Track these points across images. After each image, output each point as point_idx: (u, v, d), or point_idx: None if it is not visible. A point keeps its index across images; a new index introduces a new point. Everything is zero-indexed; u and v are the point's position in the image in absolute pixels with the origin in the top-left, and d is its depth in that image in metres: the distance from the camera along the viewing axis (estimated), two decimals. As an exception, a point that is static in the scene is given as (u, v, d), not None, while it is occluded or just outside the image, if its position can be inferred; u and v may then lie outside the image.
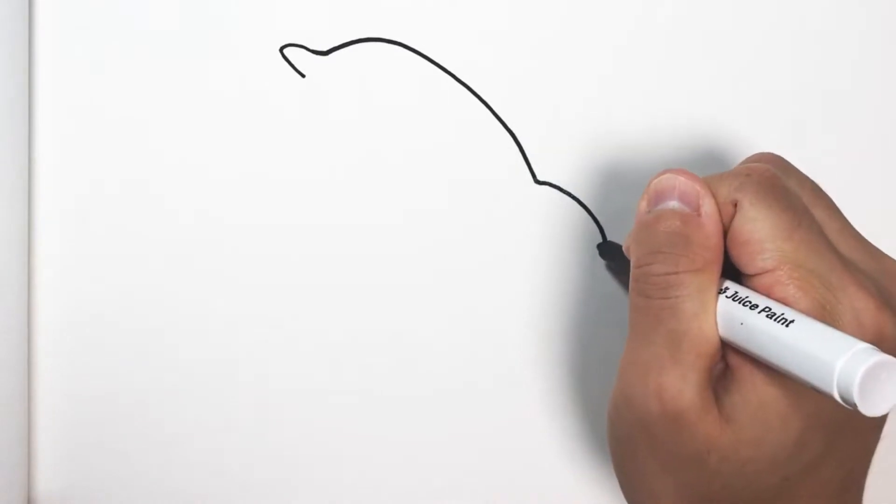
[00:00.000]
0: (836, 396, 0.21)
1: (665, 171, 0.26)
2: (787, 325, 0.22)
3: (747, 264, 0.24)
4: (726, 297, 0.24)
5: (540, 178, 0.33)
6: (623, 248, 0.28)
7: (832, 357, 0.21)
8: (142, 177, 0.33)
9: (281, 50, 0.33)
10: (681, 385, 0.24)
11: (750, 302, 0.24)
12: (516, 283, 0.33)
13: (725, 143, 0.33)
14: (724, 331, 0.24)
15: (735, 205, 0.25)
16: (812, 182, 0.27)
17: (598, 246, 0.33)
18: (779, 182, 0.25)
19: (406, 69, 0.33)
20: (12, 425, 0.32)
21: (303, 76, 0.33)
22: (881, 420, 0.26)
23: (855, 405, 0.20)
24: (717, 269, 0.25)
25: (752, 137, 0.33)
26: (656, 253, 0.25)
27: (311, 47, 0.33)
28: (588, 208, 0.33)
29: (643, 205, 0.26)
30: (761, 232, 0.24)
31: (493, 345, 0.33)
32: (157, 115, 0.33)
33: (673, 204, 0.25)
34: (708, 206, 0.25)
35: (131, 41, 0.33)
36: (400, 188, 0.33)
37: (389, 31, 0.33)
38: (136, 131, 0.33)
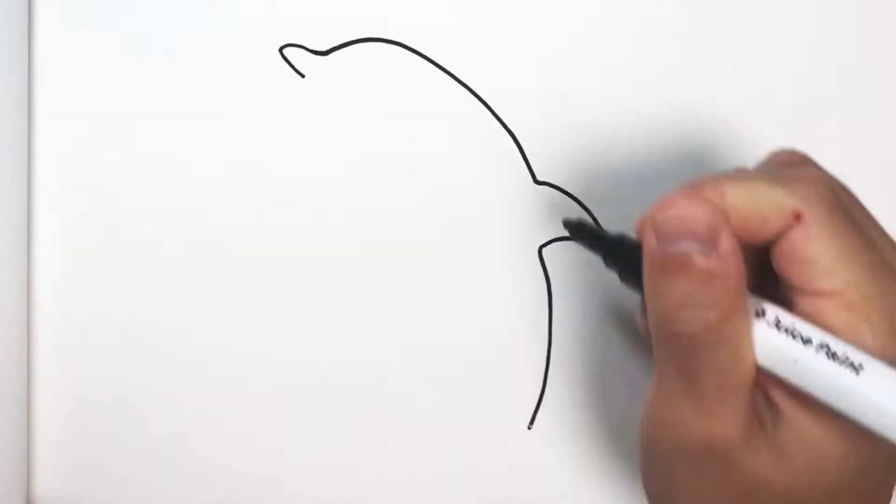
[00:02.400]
0: None
1: (675, 200, 0.23)
2: (857, 373, 0.20)
3: (807, 282, 0.22)
4: (768, 323, 0.22)
5: (540, 178, 0.33)
6: (637, 231, 0.25)
7: None
8: (142, 177, 0.33)
9: (280, 50, 0.33)
10: (727, 429, 0.22)
11: (801, 335, 0.21)
12: (516, 283, 0.33)
13: (727, 143, 0.33)
14: (766, 361, 0.22)
15: (798, 217, 0.22)
16: (842, 183, 0.25)
17: (566, 224, 0.29)
18: (842, 197, 0.23)
19: (406, 69, 0.33)
20: (12, 425, 0.32)
21: (302, 76, 0.33)
22: None
23: None
24: (744, 302, 0.22)
25: (753, 136, 0.33)
26: (680, 308, 0.22)
27: (311, 47, 0.33)
28: (588, 208, 0.33)
29: (651, 240, 0.23)
30: (830, 253, 0.22)
31: (493, 344, 0.33)
32: (156, 115, 0.33)
33: (690, 247, 0.22)
34: (727, 243, 0.22)
35: (131, 41, 0.33)
36: (399, 188, 0.33)
37: (389, 31, 0.33)
38: (136, 131, 0.33)
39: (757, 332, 0.22)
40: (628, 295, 0.33)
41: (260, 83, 0.33)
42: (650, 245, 0.23)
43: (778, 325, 0.22)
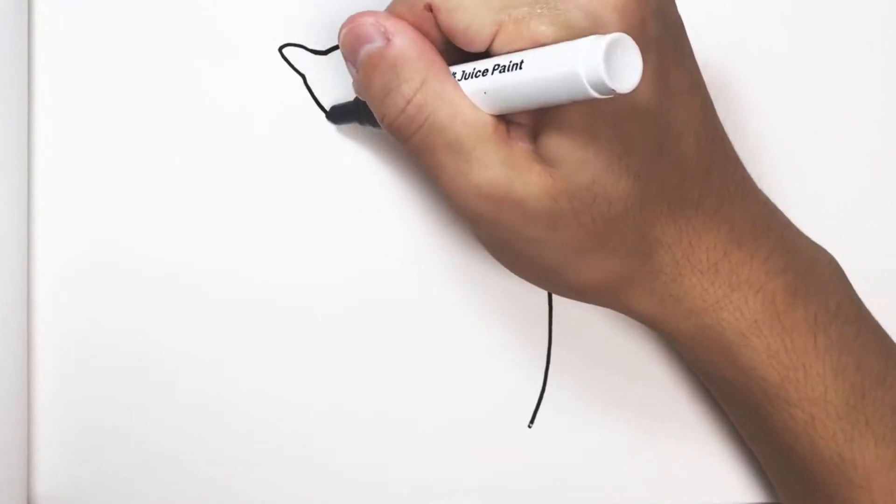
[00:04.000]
0: (594, 93, 0.21)
1: (342, 27, 0.26)
2: (520, 68, 0.23)
3: (479, 42, 0.24)
4: (460, 80, 0.25)
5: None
6: (355, 91, 0.28)
7: (570, 66, 0.21)
8: (142, 177, 0.33)
9: (280, 49, 0.33)
10: (489, 174, 0.25)
11: (479, 71, 0.24)
12: (516, 283, 0.33)
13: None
14: (487, 107, 0.25)
15: (430, 7, 0.25)
16: None
17: (327, 116, 0.33)
18: None
19: (405, 69, 0.33)
20: (12, 425, 0.32)
21: (302, 76, 0.33)
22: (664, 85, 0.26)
23: (613, 91, 0.21)
24: (439, 67, 0.25)
25: (754, 136, 0.33)
26: (383, 100, 0.25)
27: (311, 47, 0.33)
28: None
29: (351, 69, 0.27)
30: (469, 11, 0.24)
31: (493, 344, 0.33)
32: (156, 115, 0.33)
33: (364, 50, 0.25)
34: (390, 25, 0.25)
35: (130, 41, 0.33)
36: (399, 188, 0.33)
37: (389, 31, 0.33)
38: (136, 131, 0.33)
39: (464, 90, 0.25)
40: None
41: (260, 83, 0.33)
42: (352, 75, 0.27)
43: (466, 75, 0.25)
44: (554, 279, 0.28)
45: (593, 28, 0.23)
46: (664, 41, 0.25)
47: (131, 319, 0.33)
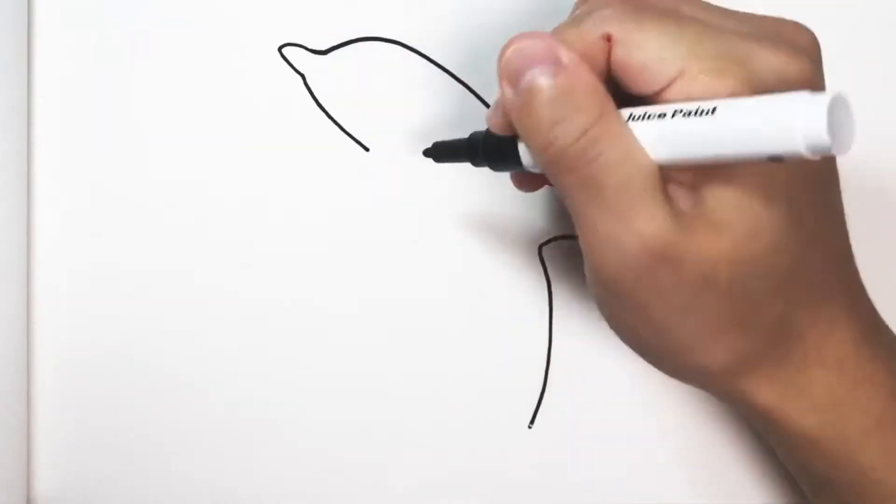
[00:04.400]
0: (806, 151, 0.20)
1: (507, 46, 0.24)
2: (712, 115, 0.21)
3: (653, 83, 0.23)
4: (635, 121, 0.23)
5: (540, 177, 0.33)
6: (487, 121, 0.26)
7: (786, 117, 0.20)
8: (142, 177, 0.33)
9: (280, 49, 0.33)
10: (653, 224, 0.23)
11: (655, 114, 0.22)
12: (516, 283, 0.33)
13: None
14: (656, 155, 0.23)
15: (609, 39, 0.23)
16: None
17: (426, 153, 0.31)
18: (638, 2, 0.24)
19: (405, 68, 0.33)
20: (12, 425, 0.32)
21: (302, 75, 0.33)
22: (831, 172, 0.25)
23: (829, 148, 0.19)
24: (612, 105, 0.23)
25: None
26: (551, 128, 0.23)
27: (310, 46, 0.33)
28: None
29: (508, 91, 0.24)
30: (651, 50, 0.23)
31: (493, 344, 0.33)
32: (156, 115, 0.33)
33: (534, 72, 0.23)
34: (566, 56, 0.23)
35: (131, 41, 0.33)
36: (399, 187, 0.33)
37: (388, 31, 0.33)
38: (135, 131, 0.33)
39: (636, 133, 0.23)
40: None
41: (259, 82, 0.33)
42: (506, 94, 0.24)
43: (632, 117, 0.23)
44: (678, 356, 0.26)
45: (801, 78, 0.22)
46: None
47: (131, 320, 0.33)
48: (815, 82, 0.22)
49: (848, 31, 0.34)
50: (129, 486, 0.33)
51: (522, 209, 0.33)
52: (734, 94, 0.22)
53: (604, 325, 0.33)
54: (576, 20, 0.24)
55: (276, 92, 0.33)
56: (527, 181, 0.29)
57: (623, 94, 0.24)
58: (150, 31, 0.33)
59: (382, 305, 0.33)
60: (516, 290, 0.33)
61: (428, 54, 0.33)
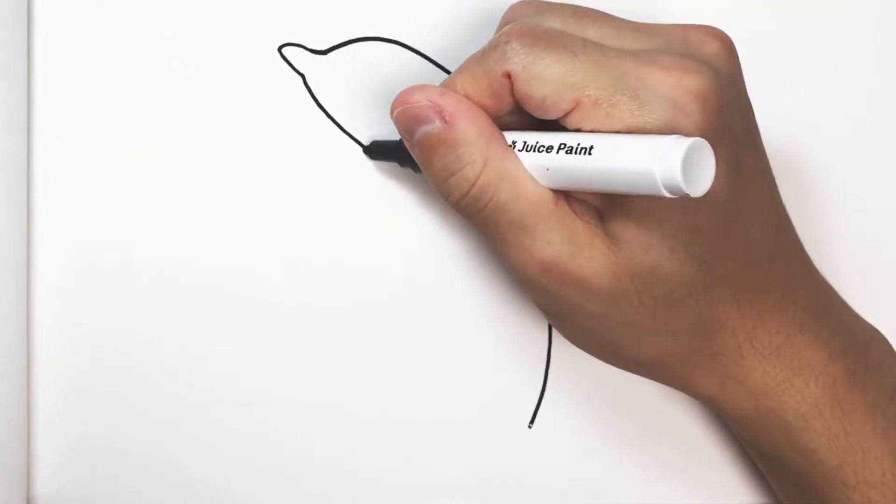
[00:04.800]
0: (665, 193, 0.21)
1: (396, 103, 0.26)
2: (589, 154, 0.23)
3: (552, 113, 0.24)
4: (520, 151, 0.25)
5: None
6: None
7: (646, 164, 0.21)
8: (141, 177, 0.33)
9: (279, 49, 0.33)
10: (550, 249, 0.24)
11: (544, 146, 0.24)
12: (516, 283, 0.33)
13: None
14: (547, 182, 0.24)
15: (508, 75, 0.24)
16: (571, 6, 0.26)
17: (364, 150, 0.32)
18: (539, 31, 0.24)
19: (405, 69, 0.33)
20: (12, 425, 0.32)
21: (302, 75, 0.33)
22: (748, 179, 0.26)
23: (686, 194, 0.21)
24: (498, 144, 0.25)
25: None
26: (445, 181, 0.25)
27: (310, 46, 0.33)
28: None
29: (406, 142, 0.26)
30: (547, 84, 0.24)
31: (493, 344, 0.33)
32: (156, 115, 0.33)
33: (421, 131, 0.25)
34: (446, 104, 0.25)
35: (130, 41, 0.33)
36: (399, 188, 0.33)
37: (389, 31, 0.33)
38: (135, 131, 0.33)
39: (524, 162, 0.25)
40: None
41: (259, 82, 0.33)
42: (408, 146, 0.26)
43: (527, 147, 0.25)
44: (614, 353, 0.28)
45: (673, 118, 0.23)
46: (738, 128, 0.25)
47: (131, 319, 0.33)
48: (707, 98, 0.23)
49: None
50: (129, 486, 0.33)
51: (522, 209, 0.33)
52: (620, 128, 0.23)
53: (604, 325, 0.33)
54: (483, 56, 0.25)
55: (276, 92, 0.33)
56: None
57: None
58: (150, 31, 0.33)
59: (382, 305, 0.33)
60: (516, 290, 0.33)
61: (428, 54, 0.33)
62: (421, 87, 0.25)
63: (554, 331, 0.33)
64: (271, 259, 0.33)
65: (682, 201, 0.23)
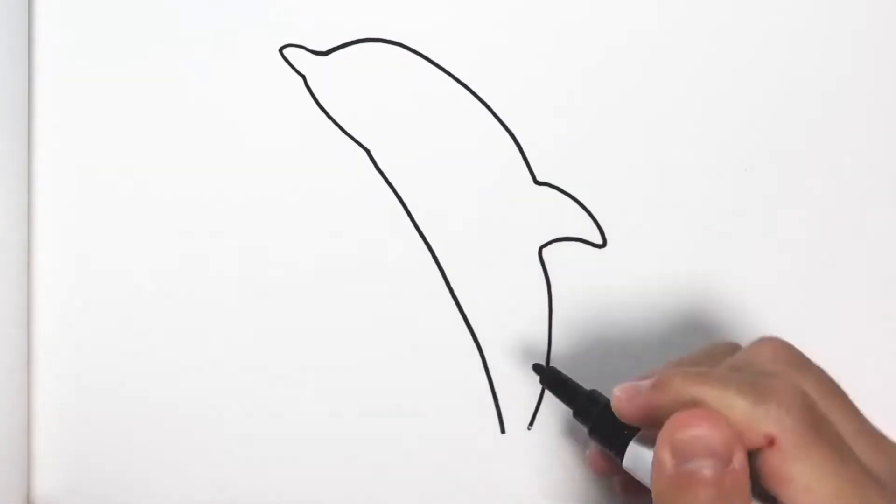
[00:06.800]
0: None
1: (690, 419, 0.24)
2: None
3: (790, 498, 0.23)
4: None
5: (540, 178, 0.33)
6: (614, 396, 0.27)
7: None
8: (142, 177, 0.33)
9: (280, 50, 0.33)
10: None
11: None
12: (516, 283, 0.33)
13: (727, 144, 0.33)
14: None
15: (772, 441, 0.24)
16: (826, 377, 0.26)
17: (537, 369, 0.31)
18: (815, 414, 0.24)
19: (406, 70, 0.33)
20: (12, 425, 0.32)
21: (302, 76, 0.33)
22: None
23: None
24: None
25: (754, 137, 0.33)
26: None
27: (311, 47, 0.33)
28: (588, 208, 0.33)
29: (666, 457, 0.24)
30: (806, 473, 0.23)
31: (494, 344, 0.33)
32: (156, 115, 0.33)
33: (706, 466, 0.24)
34: (738, 459, 0.24)
35: (131, 41, 0.33)
36: (399, 188, 0.33)
37: (389, 32, 0.33)
38: (135, 131, 0.33)
39: None
40: (629, 296, 0.33)
41: (260, 83, 0.33)
42: (663, 461, 0.24)
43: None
44: None
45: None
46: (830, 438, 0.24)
47: (132, 320, 0.33)
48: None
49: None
50: (129, 486, 0.33)
51: (523, 210, 0.33)
52: None
53: (604, 325, 0.33)
54: (765, 406, 0.24)
55: (277, 93, 0.33)
56: (602, 464, 0.30)
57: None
58: (151, 32, 0.33)
59: (382, 306, 0.33)
60: (516, 290, 0.33)
61: (429, 56, 0.33)
62: (716, 419, 0.24)
63: (553, 331, 0.33)
64: (271, 259, 0.33)
65: None
